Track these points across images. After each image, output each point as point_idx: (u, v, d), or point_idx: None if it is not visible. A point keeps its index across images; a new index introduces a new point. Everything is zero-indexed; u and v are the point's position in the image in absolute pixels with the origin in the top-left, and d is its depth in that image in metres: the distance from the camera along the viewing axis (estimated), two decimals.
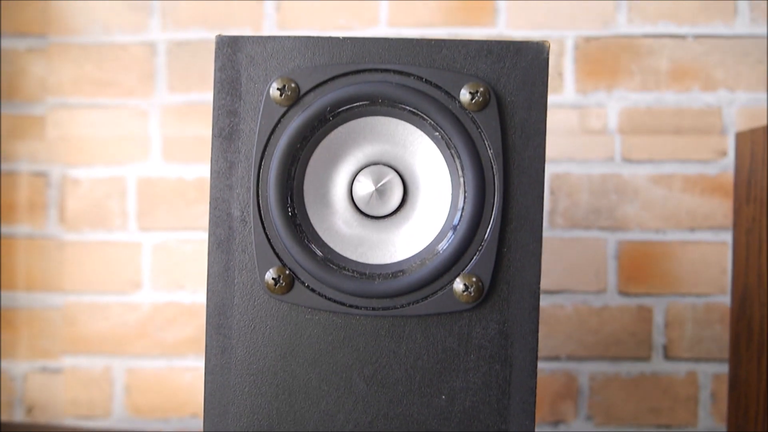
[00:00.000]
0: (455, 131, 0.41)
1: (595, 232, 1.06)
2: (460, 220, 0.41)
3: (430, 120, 0.42)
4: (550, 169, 1.06)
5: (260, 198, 0.42)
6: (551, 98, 1.06)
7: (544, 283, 1.06)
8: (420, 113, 0.42)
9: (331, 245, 0.43)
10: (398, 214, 0.44)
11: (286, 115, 0.42)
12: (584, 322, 1.06)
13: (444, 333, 0.41)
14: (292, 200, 0.42)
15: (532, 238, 0.41)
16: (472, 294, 0.41)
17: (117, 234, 1.08)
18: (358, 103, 0.42)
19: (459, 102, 0.42)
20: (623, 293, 1.06)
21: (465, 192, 0.41)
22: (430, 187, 0.43)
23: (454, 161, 0.42)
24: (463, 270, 0.41)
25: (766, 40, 1.05)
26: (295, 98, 0.42)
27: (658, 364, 1.06)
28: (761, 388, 0.74)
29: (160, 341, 1.08)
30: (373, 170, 0.43)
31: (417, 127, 0.42)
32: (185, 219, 1.08)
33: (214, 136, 0.42)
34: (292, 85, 0.41)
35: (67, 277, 1.08)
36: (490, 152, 0.41)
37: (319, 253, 0.41)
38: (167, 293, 1.08)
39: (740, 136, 0.81)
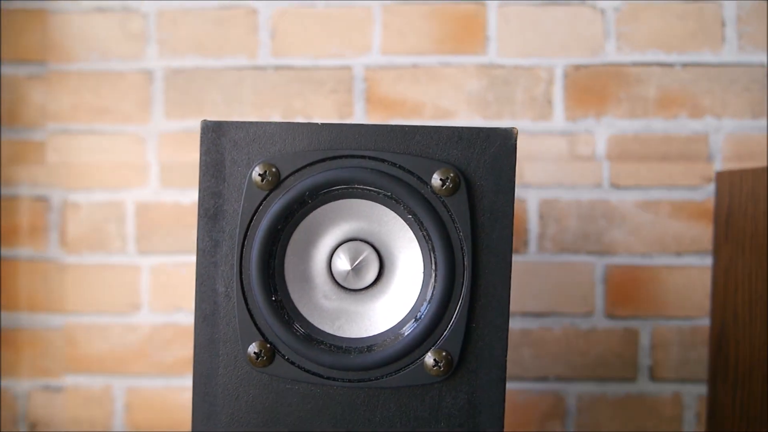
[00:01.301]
0: (427, 214, 0.44)
1: (584, 256, 1.08)
2: (431, 298, 0.44)
3: (403, 204, 0.44)
4: (539, 195, 1.08)
5: (243, 276, 0.44)
6: (542, 125, 1.08)
7: (534, 305, 1.09)
8: (394, 197, 0.44)
9: (310, 320, 0.45)
10: (375, 288, 0.46)
11: (268, 198, 0.44)
12: (572, 344, 1.09)
13: (416, 403, 0.43)
14: (273, 278, 0.44)
15: (499, 314, 0.44)
16: (442, 368, 0.43)
17: (116, 257, 1.11)
18: (335, 187, 0.44)
19: (431, 187, 0.44)
20: (610, 316, 1.09)
21: (436, 271, 0.44)
22: (405, 264, 0.45)
23: (426, 242, 0.44)
24: (433, 345, 0.44)
25: (754, 69, 1.07)
26: (275, 182, 0.44)
27: (643, 385, 1.09)
28: (735, 419, 0.77)
29: (158, 361, 1.11)
30: (351, 246, 0.45)
31: (391, 209, 0.45)
32: (182, 242, 1.11)
33: (199, 216, 0.45)
34: (273, 170, 0.44)
35: (67, 299, 1.11)
36: (459, 234, 0.44)
37: (298, 329, 0.44)
38: (165, 315, 1.11)
39: (720, 176, 0.83)
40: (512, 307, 1.09)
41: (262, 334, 0.44)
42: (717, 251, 0.84)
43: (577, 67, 1.08)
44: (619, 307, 1.09)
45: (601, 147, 1.08)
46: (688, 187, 1.07)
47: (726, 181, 0.81)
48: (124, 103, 1.11)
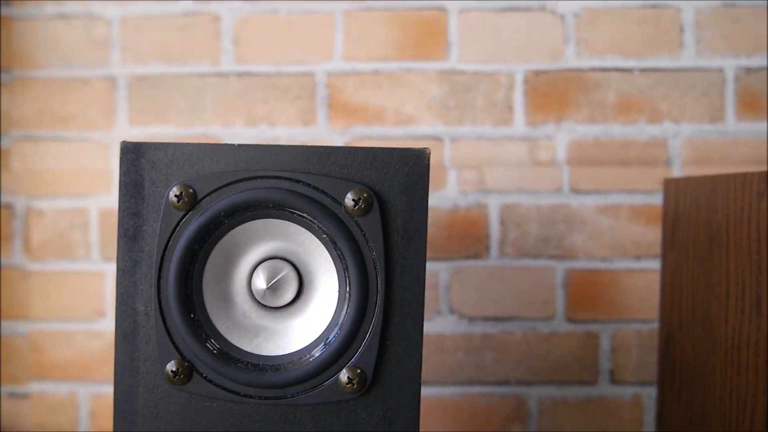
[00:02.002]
0: (340, 234, 0.44)
1: (544, 260, 1.09)
2: (345, 316, 0.45)
3: (317, 224, 0.45)
4: (500, 200, 1.09)
5: (161, 295, 0.45)
6: (503, 130, 1.09)
7: (495, 310, 1.10)
8: (308, 217, 0.45)
9: (229, 338, 0.46)
10: (294, 306, 0.47)
11: (185, 219, 0.45)
12: (533, 347, 1.10)
13: (332, 420, 0.44)
14: (191, 297, 0.45)
15: (413, 331, 0.45)
16: (356, 385, 0.44)
17: (81, 264, 1.11)
18: (251, 208, 0.45)
19: (344, 207, 0.45)
20: (571, 320, 1.10)
21: (350, 290, 0.44)
22: (323, 283, 0.46)
23: (341, 261, 0.45)
24: (348, 363, 0.45)
25: (712, 73, 1.08)
26: (192, 203, 0.45)
27: (604, 388, 1.10)
28: (681, 422, 0.78)
29: None
30: (270, 265, 0.46)
31: (307, 229, 0.46)
32: None
33: (119, 236, 0.45)
34: (190, 191, 0.44)
35: (32, 306, 1.12)
36: (372, 254, 0.44)
37: (215, 347, 0.44)
38: None
39: (667, 183, 0.84)
40: (474, 312, 1.10)
41: (180, 353, 0.45)
42: (664, 257, 0.85)
43: (537, 73, 1.09)
44: (580, 311, 1.10)
45: (561, 152, 1.09)
46: (648, 191, 1.08)
47: (673, 188, 0.82)
48: (88, 109, 1.12)
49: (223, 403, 0.45)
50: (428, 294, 1.10)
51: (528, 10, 1.09)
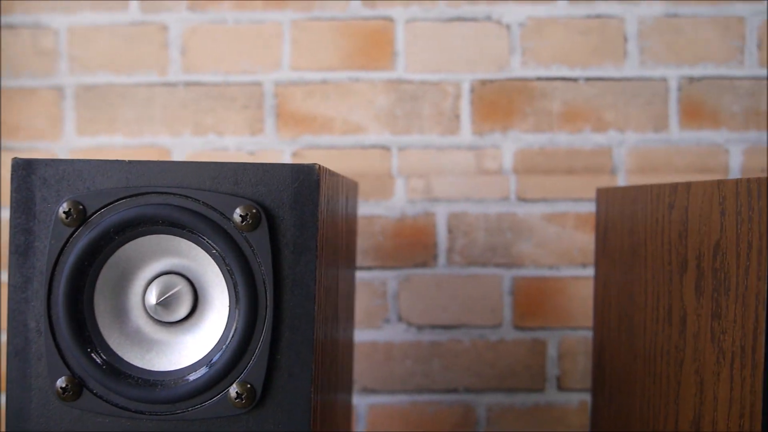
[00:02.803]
0: (229, 250, 0.45)
1: (492, 268, 1.10)
2: (234, 332, 0.45)
3: (206, 239, 0.45)
4: (447, 209, 1.10)
5: (51, 311, 0.45)
6: (450, 139, 1.10)
7: (443, 318, 1.10)
8: (197, 233, 0.45)
9: (120, 353, 0.46)
10: (189, 321, 0.47)
11: (75, 235, 0.45)
12: (481, 355, 1.11)
13: None
14: (82, 313, 0.45)
15: (304, 346, 0.45)
16: (245, 400, 0.44)
17: None
18: (141, 223, 0.45)
19: (233, 222, 0.45)
20: (518, 327, 1.10)
21: (239, 305, 0.45)
22: (216, 298, 0.46)
23: (231, 277, 0.45)
24: (237, 378, 0.45)
25: (655, 83, 1.09)
26: (81, 220, 0.45)
27: (551, 395, 1.11)
28: (611, 429, 0.79)
29: None
30: (163, 280, 0.46)
31: (197, 245, 0.46)
32: None
33: (11, 252, 0.45)
34: (79, 207, 0.44)
35: None
36: (261, 269, 0.45)
37: (103, 361, 0.45)
38: None
39: (599, 192, 0.85)
40: (422, 320, 1.10)
41: (70, 369, 0.45)
42: (596, 265, 0.86)
43: (484, 82, 1.10)
44: (527, 318, 1.10)
45: (507, 161, 1.10)
46: (593, 200, 1.09)
47: (603, 198, 0.83)
48: (35, 119, 1.11)
49: (115, 419, 0.45)
50: (377, 302, 1.10)
51: (474, 20, 1.10)
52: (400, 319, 1.10)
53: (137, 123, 1.11)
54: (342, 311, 0.67)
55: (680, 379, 0.61)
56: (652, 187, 0.69)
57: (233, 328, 0.45)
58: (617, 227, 0.78)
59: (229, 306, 0.46)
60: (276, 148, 1.10)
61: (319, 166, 0.45)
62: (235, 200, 0.45)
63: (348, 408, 0.82)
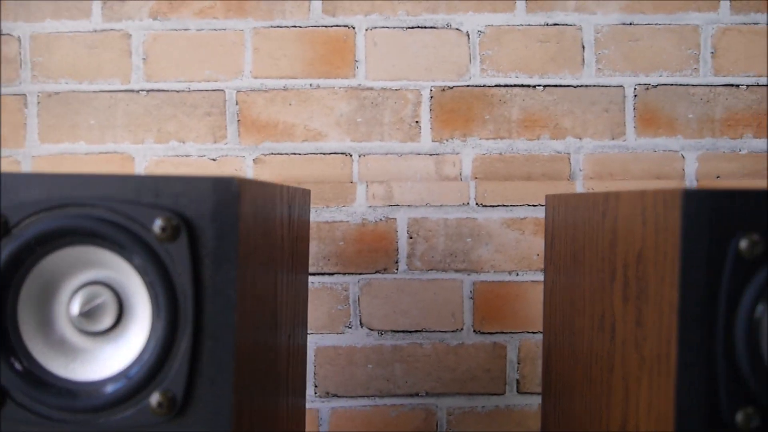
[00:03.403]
0: (149, 261, 0.46)
1: (452, 274, 1.11)
2: (156, 341, 0.46)
3: (127, 251, 0.46)
4: (408, 215, 1.11)
5: None
6: (410, 146, 1.11)
7: (404, 322, 1.11)
8: (119, 244, 0.46)
9: (43, 363, 0.47)
10: (114, 331, 0.48)
11: None
12: (442, 359, 1.12)
13: None
14: (4, 323, 0.46)
15: (225, 354, 0.46)
16: (165, 409, 0.45)
17: None
18: (63, 235, 0.46)
19: (153, 234, 0.46)
20: (479, 332, 1.12)
21: (160, 315, 0.46)
22: (140, 308, 0.47)
23: (152, 287, 0.46)
24: (158, 387, 0.46)
25: (612, 90, 1.10)
26: (3, 231, 0.46)
27: (511, 399, 1.12)
28: None
29: None
30: (88, 291, 0.47)
31: (120, 256, 0.47)
32: None
33: None
34: (1, 219, 0.45)
35: None
36: (181, 280, 0.46)
37: (25, 370, 0.45)
38: None
39: (547, 199, 0.86)
40: (384, 325, 1.11)
41: None
42: (545, 271, 0.87)
43: (444, 89, 1.11)
44: (487, 323, 1.12)
45: (467, 167, 1.11)
46: None
47: (551, 204, 0.84)
48: None
49: (38, 428, 0.46)
50: (339, 308, 1.11)
51: (434, 27, 1.11)
52: (361, 324, 1.11)
53: (100, 130, 1.12)
54: (285, 317, 0.68)
55: (611, 385, 0.62)
56: (589, 195, 0.70)
57: (155, 337, 0.46)
58: (562, 234, 0.80)
59: (151, 316, 0.47)
60: (238, 155, 1.11)
61: (239, 178, 0.46)
62: (155, 212, 0.46)
63: (300, 411, 0.83)
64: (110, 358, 0.47)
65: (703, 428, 0.47)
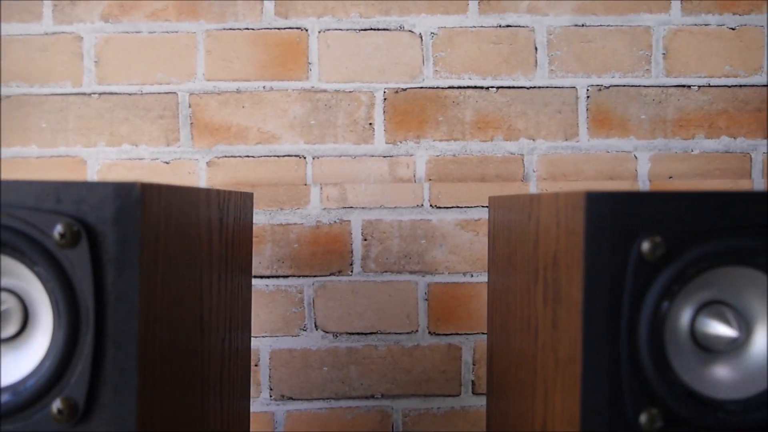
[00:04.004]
0: (50, 267, 0.45)
1: (406, 275, 1.11)
2: (57, 349, 0.46)
3: (27, 257, 0.46)
4: (362, 217, 1.11)
5: None
6: (364, 148, 1.11)
7: (359, 324, 1.11)
8: (18, 250, 0.46)
9: None
10: (19, 338, 0.48)
11: None
12: (397, 361, 1.12)
13: None
14: None
15: (128, 360, 0.46)
16: (66, 416, 0.45)
17: None
18: None
19: (54, 240, 0.46)
20: (433, 333, 1.12)
21: (61, 321, 0.45)
22: (44, 315, 0.47)
23: (53, 294, 0.46)
24: (60, 393, 0.46)
25: (565, 91, 1.11)
26: None
27: (467, 400, 1.12)
28: (498, 430, 0.80)
29: None
30: None
31: (21, 262, 0.46)
32: None
33: None
34: None
35: None
36: (82, 286, 0.45)
37: None
38: None
39: (490, 200, 0.87)
40: (339, 328, 1.11)
41: None
42: (488, 272, 0.88)
43: (397, 91, 1.11)
44: (442, 324, 1.12)
45: (421, 169, 1.11)
46: None
47: (493, 206, 0.85)
48: None
49: None
50: (294, 310, 1.11)
51: (387, 30, 1.11)
52: (316, 326, 1.11)
53: (51, 133, 1.11)
54: (217, 321, 0.67)
55: (534, 386, 0.62)
56: (520, 197, 0.70)
57: (56, 344, 0.45)
58: (500, 235, 0.80)
59: (53, 322, 0.46)
60: (191, 158, 1.11)
61: (143, 183, 0.46)
62: (55, 218, 0.45)
63: (241, 415, 0.83)
64: (13, 365, 0.47)
65: (607, 429, 0.47)
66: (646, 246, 0.47)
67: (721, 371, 0.48)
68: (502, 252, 0.79)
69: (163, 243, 0.50)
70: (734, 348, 0.49)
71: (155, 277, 0.49)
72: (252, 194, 0.91)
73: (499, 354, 0.80)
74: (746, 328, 0.49)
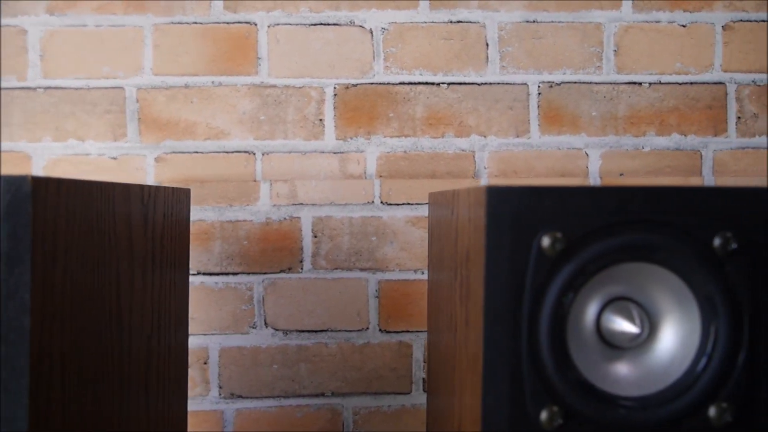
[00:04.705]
0: None
1: (357, 272, 1.11)
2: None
3: None
4: (312, 213, 1.10)
5: None
6: (314, 144, 1.10)
7: (309, 322, 1.10)
8: None
9: None
10: None
11: None
12: (348, 359, 1.11)
13: None
14: None
15: (20, 360, 0.44)
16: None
17: None
18: None
19: None
20: (384, 331, 1.11)
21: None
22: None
23: None
24: None
25: (516, 88, 1.10)
26: None
27: (417, 398, 1.12)
28: (434, 426, 0.80)
29: None
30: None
31: None
32: None
33: None
34: None
35: None
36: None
37: None
38: None
39: (430, 197, 0.86)
40: (289, 325, 1.10)
41: None
42: (428, 268, 0.87)
43: (347, 87, 1.10)
44: (393, 321, 1.11)
45: (371, 165, 1.10)
46: None
47: (431, 201, 0.84)
48: None
49: None
50: (243, 308, 1.10)
51: (337, 25, 1.10)
52: (266, 324, 1.10)
53: None
54: (140, 318, 0.66)
55: (454, 384, 0.62)
56: (446, 192, 0.70)
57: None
58: (435, 231, 0.79)
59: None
60: (139, 153, 1.09)
61: (37, 177, 0.45)
62: None
63: (176, 413, 0.81)
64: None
65: (508, 427, 0.47)
66: (546, 241, 0.46)
67: (626, 368, 0.48)
68: (435, 248, 0.78)
69: (63, 239, 0.49)
70: (639, 345, 0.49)
71: (53, 273, 0.48)
72: (188, 190, 0.89)
73: (434, 352, 0.79)
74: (652, 326, 0.49)
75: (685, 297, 0.47)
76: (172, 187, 0.76)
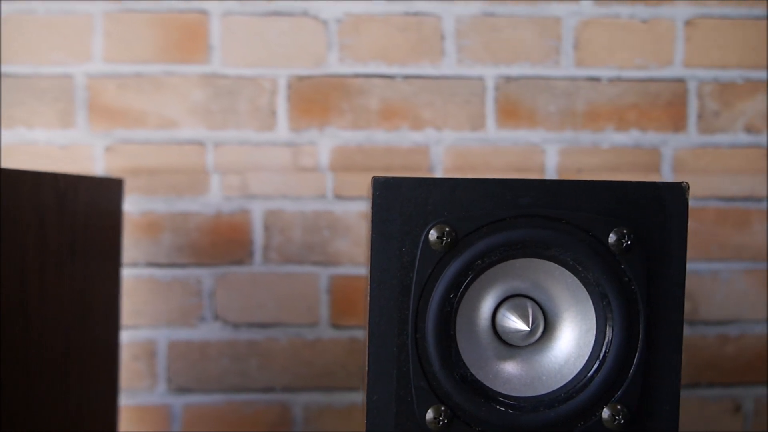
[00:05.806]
0: None
1: (308, 267, 1.09)
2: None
3: None
4: (263, 206, 1.08)
5: None
6: (266, 135, 1.08)
7: (260, 316, 1.09)
8: None
9: None
10: None
11: None
12: (298, 354, 1.09)
13: None
14: None
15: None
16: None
17: None
18: None
19: None
20: (335, 326, 1.09)
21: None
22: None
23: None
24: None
25: (473, 81, 1.09)
26: None
27: None
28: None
29: None
30: None
31: None
32: None
33: None
34: None
35: None
36: None
37: None
38: None
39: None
40: (239, 319, 1.08)
41: None
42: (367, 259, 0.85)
43: (301, 78, 1.08)
44: (344, 317, 1.09)
45: (324, 158, 1.09)
46: None
47: (367, 193, 0.82)
48: None
49: None
50: (192, 301, 1.08)
51: (291, 14, 1.08)
52: (216, 317, 1.09)
53: None
54: (56, 312, 0.65)
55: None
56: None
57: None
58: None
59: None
60: (88, 142, 1.08)
61: None
62: None
63: (104, 409, 0.80)
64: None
65: (394, 427, 0.45)
66: (433, 235, 0.45)
67: (519, 367, 0.46)
68: (366, 241, 0.76)
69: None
70: (534, 343, 0.47)
71: None
72: (121, 180, 0.88)
73: (364, 348, 0.77)
74: (549, 324, 0.47)
75: (582, 295, 0.45)
76: (100, 177, 0.75)
